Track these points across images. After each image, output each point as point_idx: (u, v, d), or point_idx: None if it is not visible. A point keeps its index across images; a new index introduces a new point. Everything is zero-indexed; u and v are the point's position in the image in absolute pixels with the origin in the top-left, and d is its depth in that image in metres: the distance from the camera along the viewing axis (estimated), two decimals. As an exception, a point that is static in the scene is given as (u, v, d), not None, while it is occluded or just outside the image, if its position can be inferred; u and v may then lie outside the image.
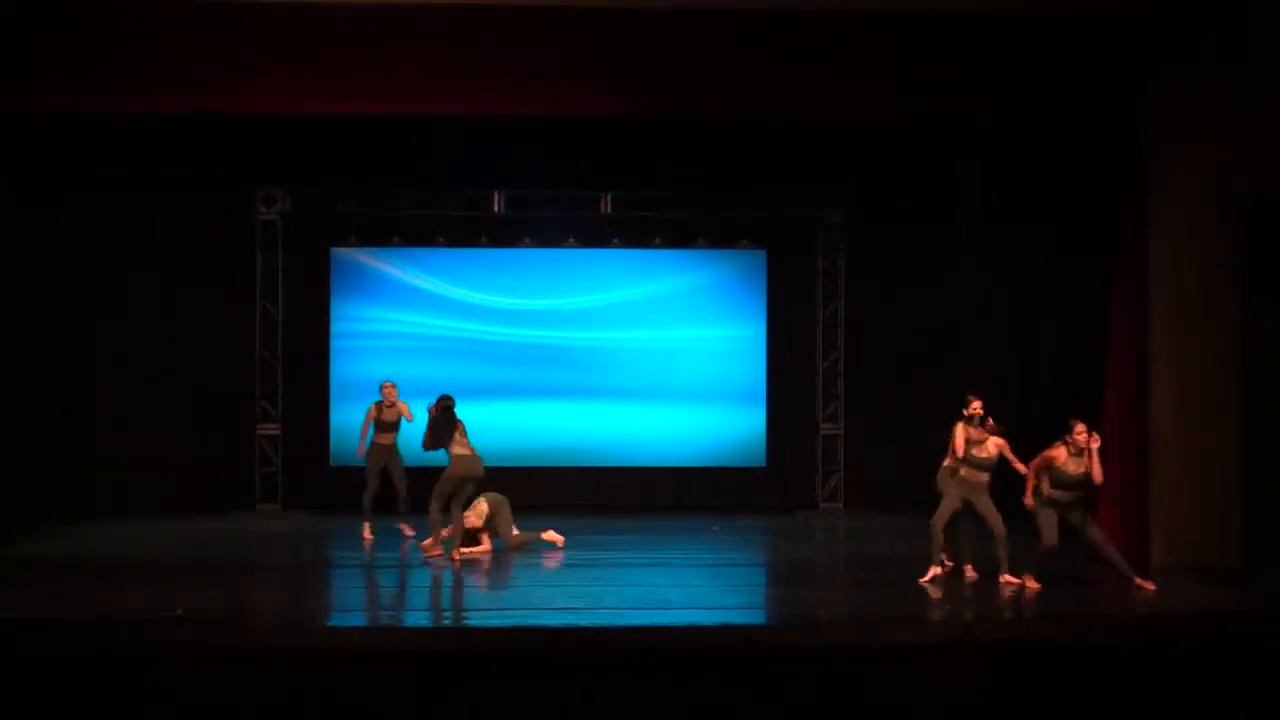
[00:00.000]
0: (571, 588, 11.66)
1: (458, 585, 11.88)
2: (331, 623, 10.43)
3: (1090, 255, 14.24)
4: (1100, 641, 9.71)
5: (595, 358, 17.96)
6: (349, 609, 10.95)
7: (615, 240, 17.99)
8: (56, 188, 16.03)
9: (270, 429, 17.54)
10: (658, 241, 18.01)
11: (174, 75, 12.70)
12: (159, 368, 17.00)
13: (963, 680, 9.36)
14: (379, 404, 14.76)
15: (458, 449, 13.13)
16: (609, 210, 17.81)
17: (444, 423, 13.17)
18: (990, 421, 12.11)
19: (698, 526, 15.69)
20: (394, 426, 14.82)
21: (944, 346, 17.24)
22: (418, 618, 10.22)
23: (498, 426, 17.29)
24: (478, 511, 13.68)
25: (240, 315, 17.45)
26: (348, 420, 17.48)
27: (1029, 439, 15.58)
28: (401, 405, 14.80)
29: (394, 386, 14.89)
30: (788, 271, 18.17)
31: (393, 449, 14.86)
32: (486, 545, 13.64)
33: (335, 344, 17.71)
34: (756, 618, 10.94)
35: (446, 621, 10.10)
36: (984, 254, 16.74)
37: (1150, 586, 11.32)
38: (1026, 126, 14.17)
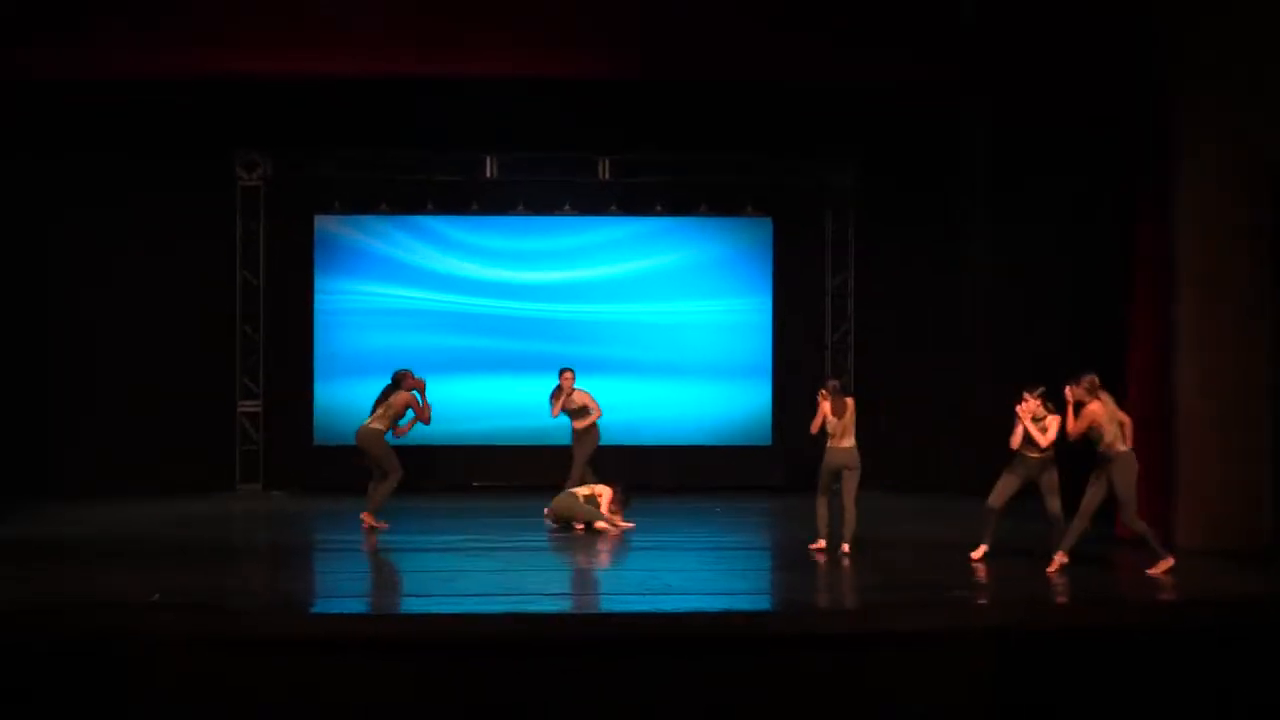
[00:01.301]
0: (569, 572, 11.63)
1: (449, 571, 11.86)
2: (316, 609, 10.42)
3: (1111, 220, 14.18)
4: (1122, 627, 9.68)
5: (592, 331, 17.93)
6: (334, 594, 10.93)
7: (613, 207, 17.94)
8: (27, 150, 15.97)
9: (251, 406, 17.51)
10: (658, 209, 17.97)
11: (152, 34, 12.63)
12: (134, 341, 16.96)
13: (976, 668, 9.34)
14: (559, 389, 14.66)
15: (369, 420, 13.71)
16: (607, 176, 17.75)
17: (382, 394, 13.66)
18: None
19: (700, 508, 15.68)
20: (579, 413, 14.92)
21: (959, 317, 17.21)
22: (406, 604, 10.21)
23: (490, 403, 17.27)
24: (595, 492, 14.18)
25: (219, 286, 17.41)
26: (332, 397, 17.47)
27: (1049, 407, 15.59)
28: (580, 394, 14.85)
29: (571, 373, 14.89)
30: (795, 240, 18.14)
31: (585, 432, 14.87)
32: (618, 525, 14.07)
33: (319, 316, 17.69)
34: (761, 603, 10.93)
35: (436, 608, 10.08)
36: (999, 220, 16.71)
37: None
38: (1044, 90, 14.11)
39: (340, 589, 11.10)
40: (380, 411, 13.60)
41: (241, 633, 9.15)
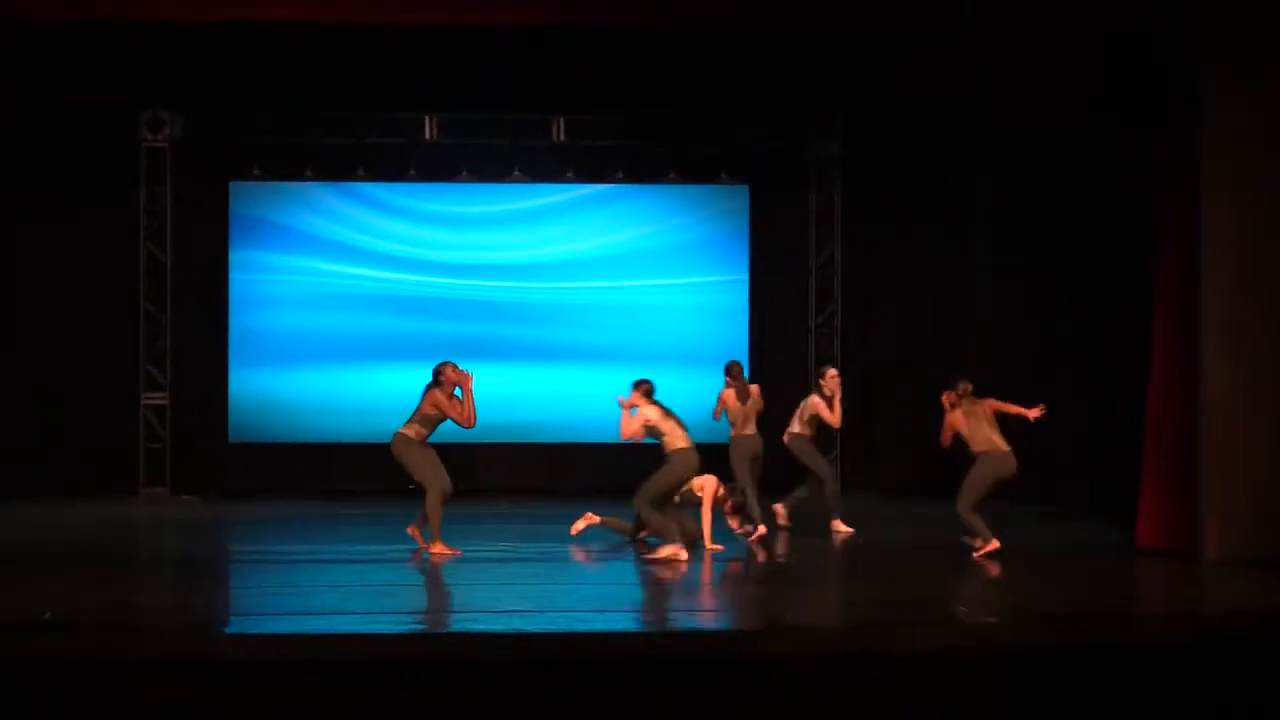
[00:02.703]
0: (520, 586, 11.59)
1: (387, 585, 11.82)
2: (231, 628, 10.36)
3: (1130, 188, 14.20)
4: (1143, 644, 9.71)
5: (545, 314, 17.90)
6: (251, 612, 10.87)
7: (569, 174, 17.91)
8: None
9: (157, 398, 17.41)
10: (620, 175, 17.95)
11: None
12: (23, 324, 16.85)
13: (983, 692, 9.36)
14: (819, 392, 14.44)
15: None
16: (562, 138, 17.70)
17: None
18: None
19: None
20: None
21: (959, 298, 17.23)
22: (333, 623, 10.15)
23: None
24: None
25: (121, 262, 17.31)
26: (249, 389, 17.39)
27: (1056, 402, 15.60)
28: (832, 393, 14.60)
29: (836, 371, 14.72)
30: (775, 211, 18.16)
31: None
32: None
33: (235, 296, 17.63)
34: (739, 621, 10.89)
35: (368, 627, 10.04)
36: (1005, 188, 16.72)
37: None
38: (1053, 40, 14.15)
39: (259, 606, 11.03)
40: (413, 414, 13.18)
41: (146, 655, 9.09)
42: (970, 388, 13.06)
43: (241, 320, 17.60)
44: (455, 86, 16.79)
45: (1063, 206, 16.09)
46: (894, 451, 17.22)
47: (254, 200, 17.65)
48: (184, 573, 12.68)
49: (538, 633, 9.47)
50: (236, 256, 17.61)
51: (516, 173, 17.88)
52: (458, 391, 13.11)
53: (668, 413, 12.77)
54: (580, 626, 9.85)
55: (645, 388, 12.92)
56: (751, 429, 13.94)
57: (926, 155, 17.15)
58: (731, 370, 14.11)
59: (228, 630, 10.24)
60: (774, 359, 18.00)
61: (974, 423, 12.84)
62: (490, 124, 17.55)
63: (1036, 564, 12.34)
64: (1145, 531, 12.86)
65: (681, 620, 10.54)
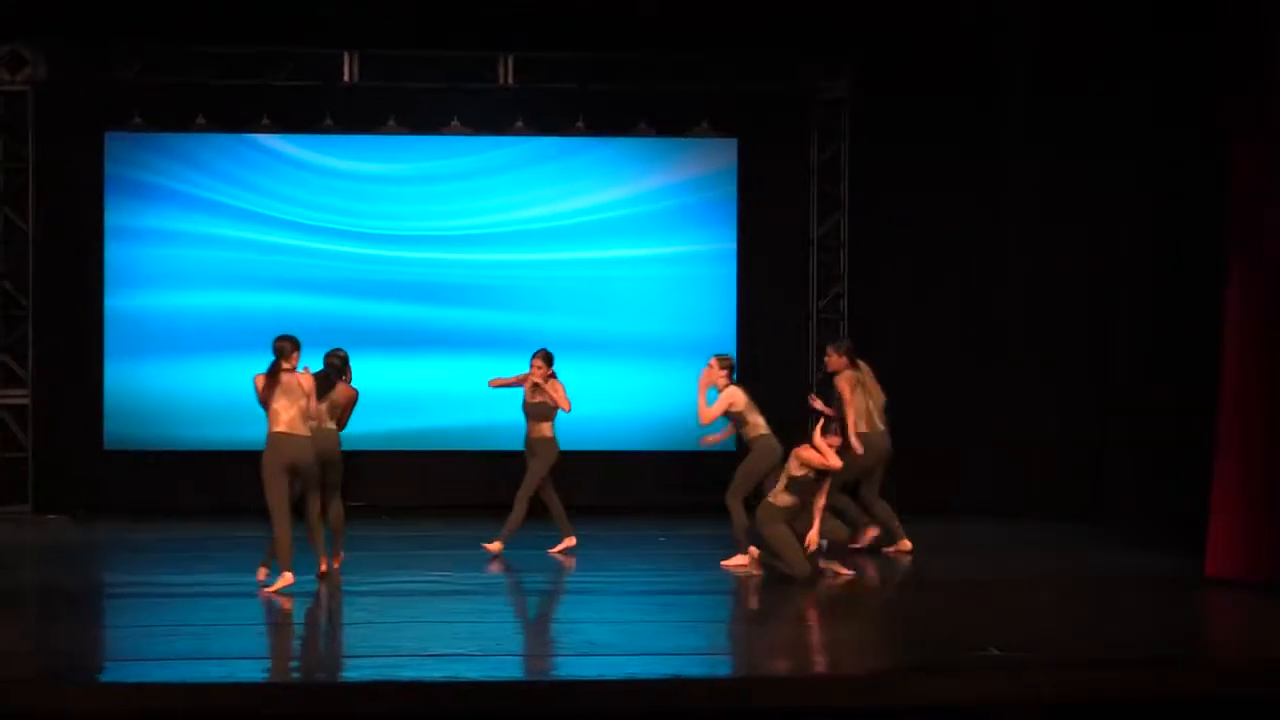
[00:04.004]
0: (456, 625, 11.56)
1: (295, 625, 11.78)
2: (105, 677, 10.30)
3: (1193, 143, 14.21)
4: (1216, 694, 9.71)
5: (488, 293, 17.91)
6: (129, 657, 10.81)
7: (520, 124, 17.90)
8: None
9: (16, 396, 17.34)
10: (581, 126, 17.94)
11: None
12: None
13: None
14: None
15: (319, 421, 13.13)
16: (510, 80, 17.69)
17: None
18: None
19: (638, 536, 15.62)
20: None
21: (990, 279, 17.24)
22: (230, 670, 10.10)
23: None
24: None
25: (-29, 231, 17.25)
26: (129, 384, 17.31)
27: (1101, 399, 15.61)
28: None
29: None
30: (769, 169, 18.18)
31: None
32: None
33: (112, 273, 17.58)
34: (720, 667, 10.88)
35: (272, 675, 10.00)
36: (1047, 141, 16.73)
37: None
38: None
39: (139, 650, 10.99)
40: (323, 407, 13.05)
41: (4, 709, 9.02)
42: (851, 346, 14.11)
43: (120, 302, 17.54)
44: (380, 17, 16.72)
45: (1119, 157, 16.10)
46: (909, 460, 17.12)
47: (135, 155, 17.60)
48: (48, 608, 12.66)
49: (480, 681, 9.44)
50: (114, 223, 17.56)
51: (455, 122, 17.87)
52: None
53: (284, 391, 12.51)
54: (522, 674, 9.84)
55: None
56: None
57: (952, 102, 17.17)
58: (549, 359, 14.71)
59: (101, 679, 10.21)
60: (768, 349, 17.98)
61: (861, 391, 13.83)
62: (423, 63, 17.52)
63: (1088, 597, 12.33)
64: (1216, 558, 12.85)
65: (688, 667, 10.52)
